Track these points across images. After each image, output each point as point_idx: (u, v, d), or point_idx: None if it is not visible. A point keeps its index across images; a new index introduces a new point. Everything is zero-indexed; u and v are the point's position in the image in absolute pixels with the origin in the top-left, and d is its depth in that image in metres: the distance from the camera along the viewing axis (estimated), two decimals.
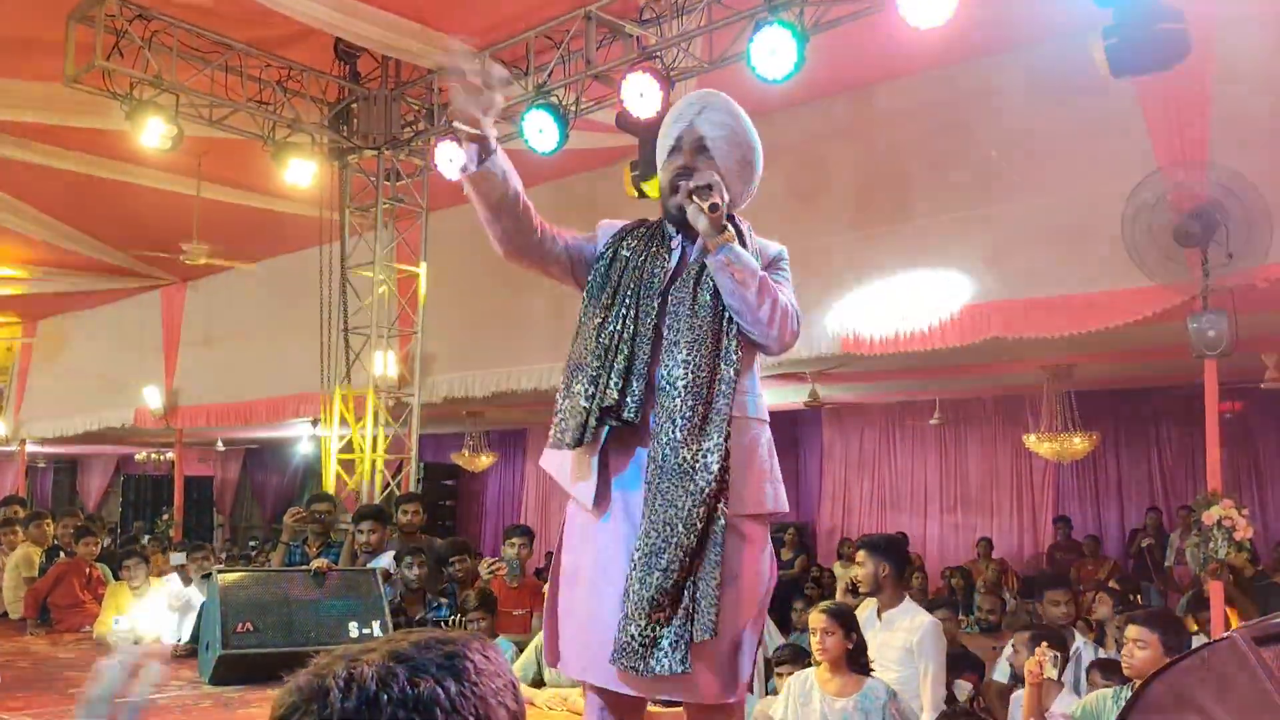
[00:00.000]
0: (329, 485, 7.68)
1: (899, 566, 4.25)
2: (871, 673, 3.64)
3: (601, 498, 2.18)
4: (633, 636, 2.02)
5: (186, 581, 6.08)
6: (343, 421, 7.75)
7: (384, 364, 7.73)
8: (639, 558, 2.06)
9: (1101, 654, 4.75)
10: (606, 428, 2.16)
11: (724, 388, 2.12)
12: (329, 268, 7.58)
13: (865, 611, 4.12)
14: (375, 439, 7.69)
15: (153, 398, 11.41)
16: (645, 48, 5.61)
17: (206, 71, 6.33)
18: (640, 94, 5.42)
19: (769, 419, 2.30)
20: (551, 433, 2.25)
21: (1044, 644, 3.63)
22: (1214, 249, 4.75)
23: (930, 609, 5.16)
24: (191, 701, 4.24)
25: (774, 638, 5.03)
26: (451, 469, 14.60)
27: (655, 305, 2.19)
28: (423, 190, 7.73)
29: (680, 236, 2.29)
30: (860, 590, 4.18)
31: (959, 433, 11.91)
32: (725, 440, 2.09)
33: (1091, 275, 5.37)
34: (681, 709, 2.30)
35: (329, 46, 6.74)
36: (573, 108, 6.17)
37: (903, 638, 4.03)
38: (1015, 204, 5.82)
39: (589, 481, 2.19)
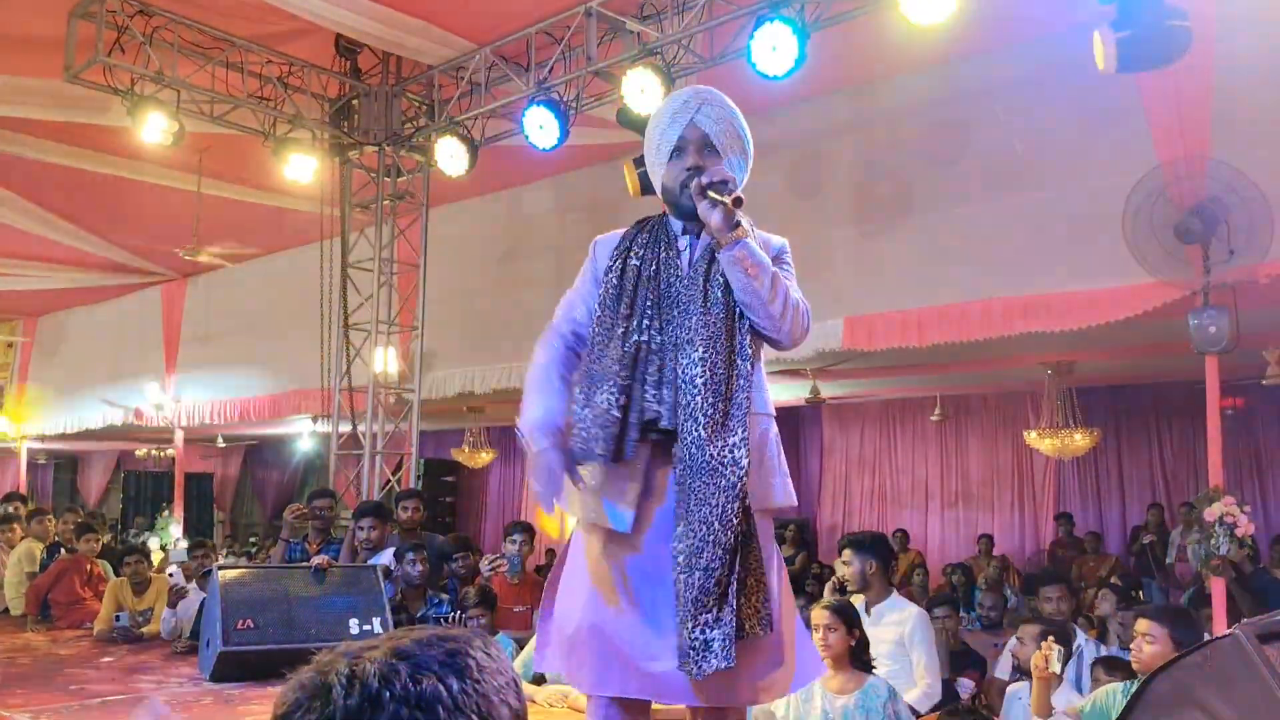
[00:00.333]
0: (329, 481, 7.69)
1: (885, 562, 4.27)
2: (873, 670, 3.64)
3: (640, 520, 2.16)
4: (693, 638, 2.01)
5: (187, 577, 6.08)
6: (343, 418, 7.75)
7: (384, 360, 7.73)
8: (684, 559, 2.05)
9: (1103, 651, 4.75)
10: (646, 443, 2.16)
11: (741, 382, 2.13)
12: (330, 264, 7.58)
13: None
14: (375, 435, 7.69)
15: (153, 394, 11.41)
16: (646, 44, 5.60)
17: (208, 67, 6.33)
18: (641, 90, 5.43)
19: (774, 413, 2.31)
20: (573, 445, 2.19)
21: (1050, 638, 3.62)
22: (1215, 245, 4.75)
23: (931, 606, 5.19)
24: (192, 698, 4.25)
25: None
26: (452, 465, 14.60)
27: (676, 315, 2.18)
28: (423, 186, 7.73)
29: (688, 235, 2.29)
30: (849, 589, 4.19)
31: (960, 429, 11.91)
32: (747, 436, 2.10)
33: (1093, 271, 5.36)
34: (683, 709, 2.30)
35: (330, 42, 6.74)
36: (573, 104, 6.17)
37: (892, 631, 4.05)
38: (1016, 200, 5.82)
39: (627, 505, 2.16)
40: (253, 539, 15.18)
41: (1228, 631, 1.67)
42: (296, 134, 7.08)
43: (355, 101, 7.27)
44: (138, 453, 18.67)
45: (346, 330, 7.68)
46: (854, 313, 6.22)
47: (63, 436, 13.76)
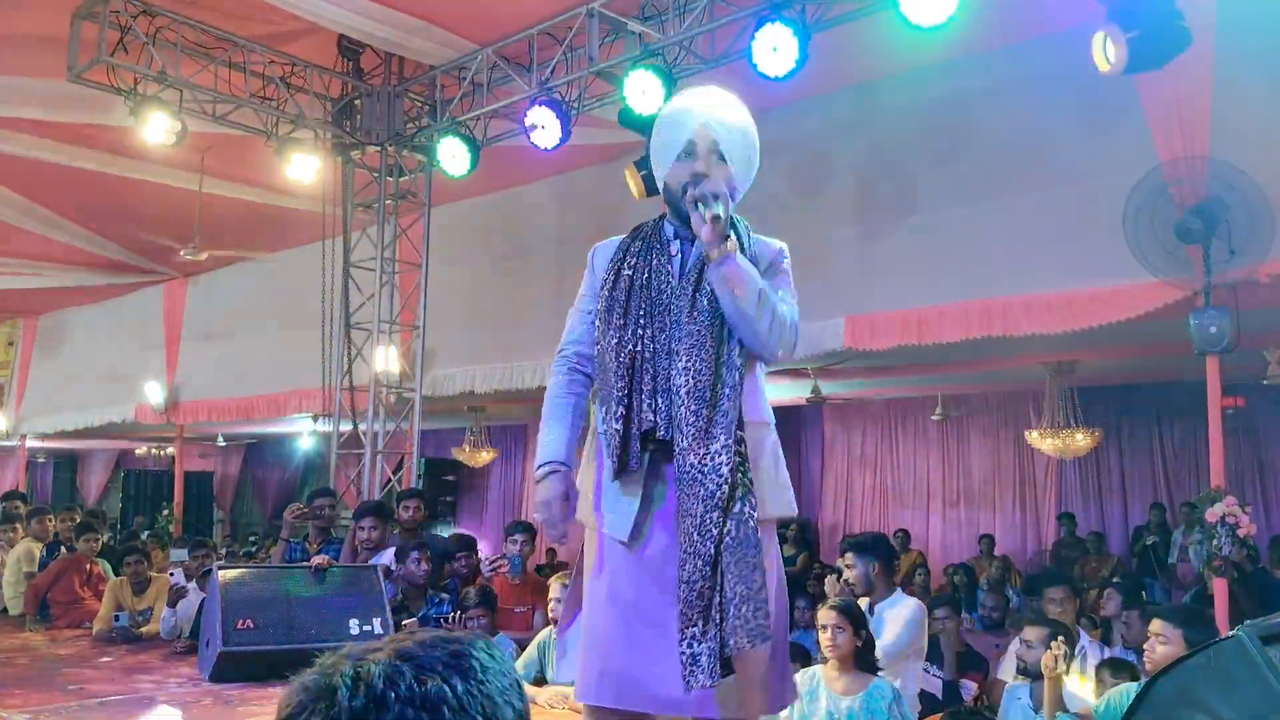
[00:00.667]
0: (330, 481, 7.69)
1: (887, 562, 4.27)
2: (879, 672, 3.64)
3: (636, 527, 2.16)
4: (684, 652, 2.01)
5: (188, 577, 6.08)
6: (344, 417, 7.75)
7: (385, 359, 7.73)
8: (682, 571, 2.05)
9: (1107, 653, 4.74)
10: (648, 453, 2.16)
11: (728, 390, 2.10)
12: (331, 263, 7.58)
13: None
14: (376, 434, 7.70)
15: (154, 393, 11.41)
16: (648, 45, 5.60)
17: (210, 67, 6.34)
18: (642, 91, 5.43)
19: (773, 420, 2.29)
20: (602, 468, 2.21)
21: (1060, 638, 3.61)
22: (1216, 245, 4.74)
23: (932, 607, 5.18)
24: (192, 699, 4.25)
25: None
26: (452, 464, 14.61)
27: (668, 322, 2.18)
28: (425, 186, 7.73)
29: (679, 240, 2.28)
30: (855, 592, 4.18)
31: (961, 429, 11.91)
32: (734, 443, 2.08)
33: (1093, 271, 5.36)
34: None
35: (333, 42, 6.74)
36: (575, 104, 6.17)
37: (891, 627, 4.06)
38: (1017, 200, 5.81)
39: (628, 513, 2.16)
40: (253, 538, 15.18)
41: (1231, 633, 1.67)
42: (299, 134, 7.09)
43: (357, 101, 7.28)
44: (137, 451, 18.69)
45: (348, 329, 7.69)
46: (855, 312, 6.21)
47: (62, 435, 13.77)
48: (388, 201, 7.69)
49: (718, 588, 2.02)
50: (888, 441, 12.53)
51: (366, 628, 4.64)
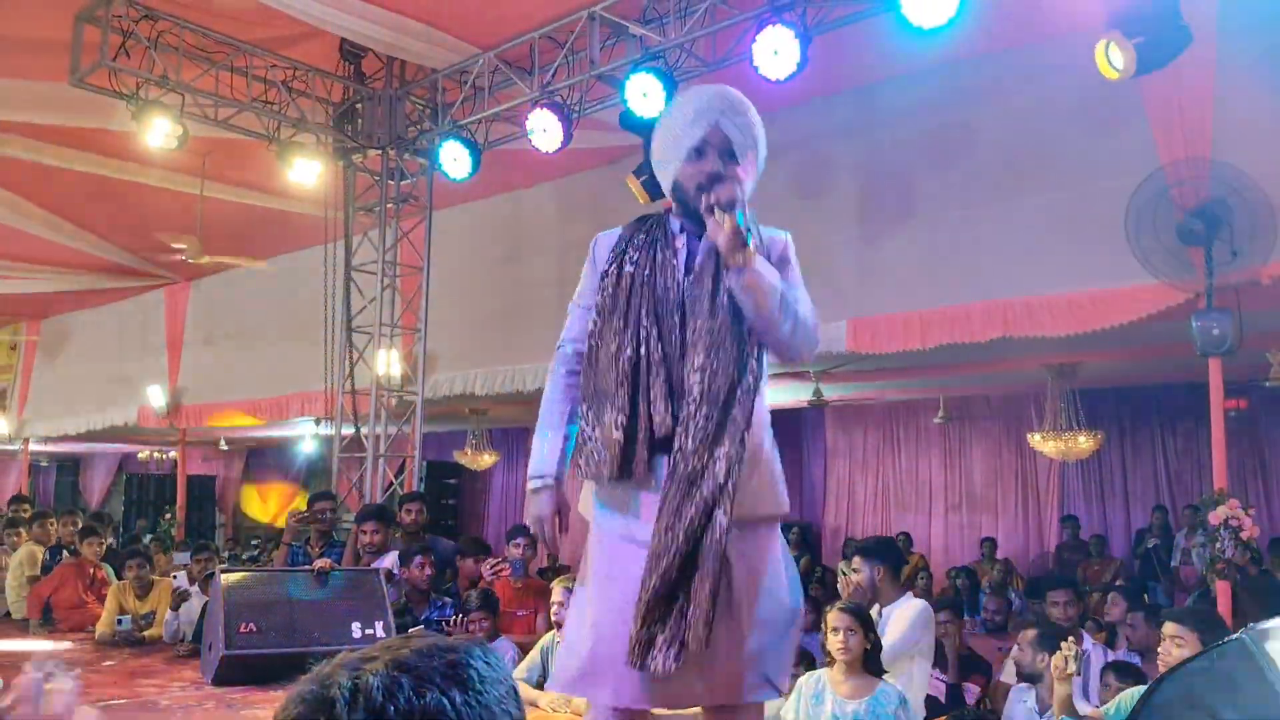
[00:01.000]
0: (332, 484, 7.69)
1: (894, 566, 4.26)
2: (884, 675, 3.63)
3: (643, 525, 2.14)
4: (633, 634, 2.02)
5: (190, 581, 6.08)
6: (346, 420, 7.75)
7: (387, 363, 7.74)
8: (649, 557, 2.05)
9: (1111, 656, 4.74)
10: (660, 459, 2.11)
11: (741, 395, 2.08)
12: (333, 266, 7.58)
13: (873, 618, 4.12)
14: (378, 437, 7.70)
15: (156, 396, 11.42)
16: (649, 48, 5.60)
17: (212, 71, 6.35)
18: (644, 94, 5.43)
19: (770, 418, 2.29)
20: (581, 466, 2.18)
21: (1069, 639, 3.59)
22: (1218, 247, 4.74)
23: (935, 610, 5.15)
24: (195, 702, 4.24)
25: None
26: (454, 468, 14.60)
27: (677, 321, 2.13)
28: (427, 189, 7.74)
29: (685, 234, 2.25)
30: (860, 598, 4.17)
31: (963, 431, 11.89)
32: (739, 448, 2.05)
33: (1095, 273, 5.36)
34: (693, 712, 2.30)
35: (334, 46, 6.76)
36: (576, 107, 6.17)
37: (895, 627, 4.05)
38: (1018, 202, 5.81)
39: (634, 512, 2.15)
40: (254, 541, 15.18)
41: (1234, 635, 1.67)
42: (300, 138, 7.09)
43: (359, 105, 7.29)
44: (140, 455, 18.68)
45: (349, 333, 7.69)
46: (857, 315, 6.21)
47: (65, 438, 13.77)
48: (389, 205, 7.69)
49: (688, 583, 2.03)
50: (890, 444, 12.52)
51: (369, 631, 4.64)
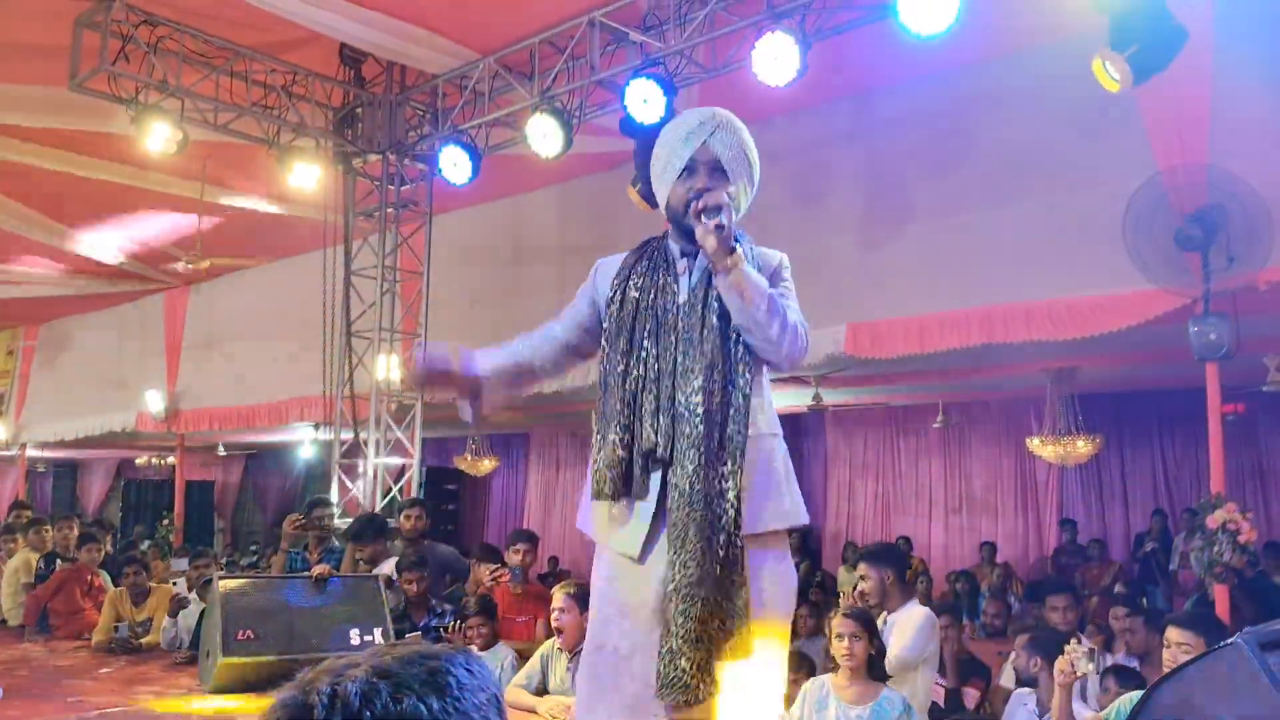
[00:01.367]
0: (331, 489, 7.69)
1: (900, 570, 4.26)
2: (888, 681, 3.63)
3: (646, 544, 2.18)
4: (683, 670, 2.02)
5: (189, 587, 6.08)
6: (345, 425, 7.75)
7: (386, 368, 7.74)
8: (676, 589, 2.06)
9: (1109, 660, 4.74)
10: (658, 476, 2.16)
11: (734, 413, 2.13)
12: (333, 271, 7.59)
13: (879, 626, 4.11)
14: (378, 442, 7.69)
15: (154, 401, 11.41)
16: (649, 54, 5.62)
17: (212, 76, 6.35)
18: (643, 100, 5.45)
19: (780, 431, 2.30)
20: (590, 486, 2.25)
21: (1074, 640, 3.56)
22: (1215, 252, 4.75)
23: (935, 614, 5.16)
24: (192, 709, 4.24)
25: None
26: (454, 473, 14.60)
27: (674, 341, 2.19)
28: (426, 194, 7.75)
29: (686, 258, 2.29)
30: (870, 602, 4.17)
31: (962, 436, 11.90)
32: (738, 466, 2.10)
33: (1093, 279, 5.37)
34: None
35: (334, 51, 6.76)
36: (576, 113, 6.18)
37: (900, 636, 4.04)
38: (1016, 207, 5.83)
39: (639, 531, 2.18)
40: (253, 547, 15.18)
41: (1230, 640, 1.67)
42: (300, 142, 7.10)
43: (359, 110, 7.30)
44: (138, 461, 18.67)
45: (349, 338, 7.69)
46: (856, 319, 6.22)
47: (63, 444, 13.76)
48: (389, 210, 7.70)
49: (726, 608, 2.06)
50: (889, 449, 12.53)
51: (368, 638, 4.63)
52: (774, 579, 2.20)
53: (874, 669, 3.59)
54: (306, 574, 4.99)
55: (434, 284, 7.74)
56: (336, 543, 6.08)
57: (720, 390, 2.12)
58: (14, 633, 6.61)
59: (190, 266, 8.51)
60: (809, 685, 3.74)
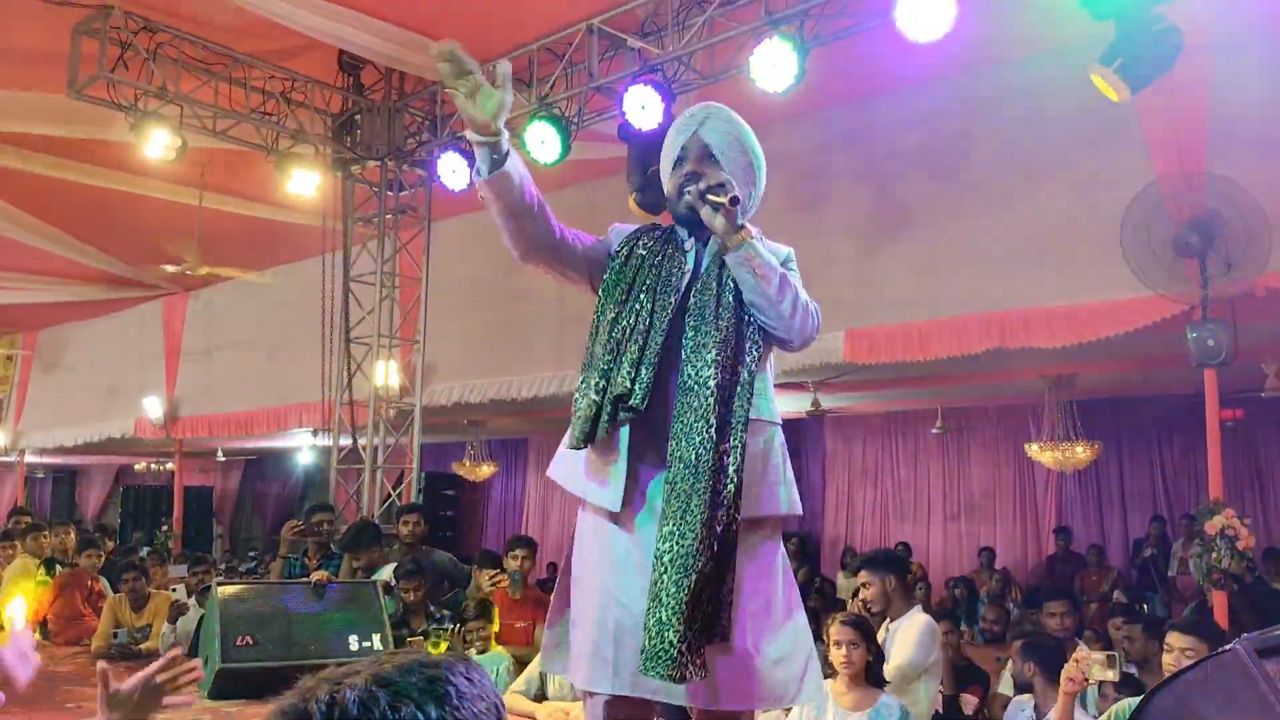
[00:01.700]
0: (330, 495, 7.68)
1: (902, 577, 4.25)
2: (885, 686, 3.63)
3: (628, 502, 2.17)
4: (671, 643, 1.99)
5: (187, 593, 6.07)
6: (344, 431, 7.75)
7: (385, 374, 7.74)
8: (671, 560, 2.03)
9: None
10: (625, 425, 2.15)
11: (741, 390, 2.13)
12: (331, 277, 7.59)
13: (882, 634, 4.11)
14: (376, 449, 7.69)
15: (153, 408, 11.41)
16: (647, 61, 5.63)
17: (211, 83, 6.36)
18: (642, 106, 5.45)
19: (780, 421, 2.30)
20: (568, 434, 2.24)
21: (1080, 650, 3.53)
22: (1212, 258, 4.77)
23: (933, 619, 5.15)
24: (191, 716, 4.23)
25: None
26: (453, 479, 14.59)
27: (672, 301, 2.19)
28: (425, 200, 7.75)
29: (693, 239, 2.31)
30: (873, 610, 4.17)
31: (961, 442, 11.90)
32: (740, 442, 2.10)
33: (1091, 285, 5.38)
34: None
35: (333, 58, 6.78)
36: (575, 119, 6.19)
37: (901, 645, 4.03)
38: (1015, 214, 5.84)
39: (615, 484, 2.17)
40: (251, 553, 15.15)
41: (1228, 646, 1.67)
42: (299, 149, 7.11)
43: (358, 116, 7.31)
44: (137, 466, 18.66)
45: (348, 344, 7.69)
46: (855, 325, 6.23)
47: (61, 450, 13.75)
48: (388, 216, 7.71)
49: (724, 584, 2.05)
50: (888, 454, 12.53)
51: (366, 644, 4.63)
52: (767, 566, 2.20)
53: (872, 676, 3.58)
54: (305, 580, 4.99)
55: (432, 290, 7.75)
56: (335, 549, 6.07)
57: (731, 367, 2.12)
58: None
59: (189, 273, 8.51)
60: None
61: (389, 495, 7.75)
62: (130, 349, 12.19)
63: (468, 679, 0.99)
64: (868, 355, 6.18)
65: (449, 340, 8.26)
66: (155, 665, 1.83)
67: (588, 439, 2.15)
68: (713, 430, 2.07)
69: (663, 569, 2.04)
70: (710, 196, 2.13)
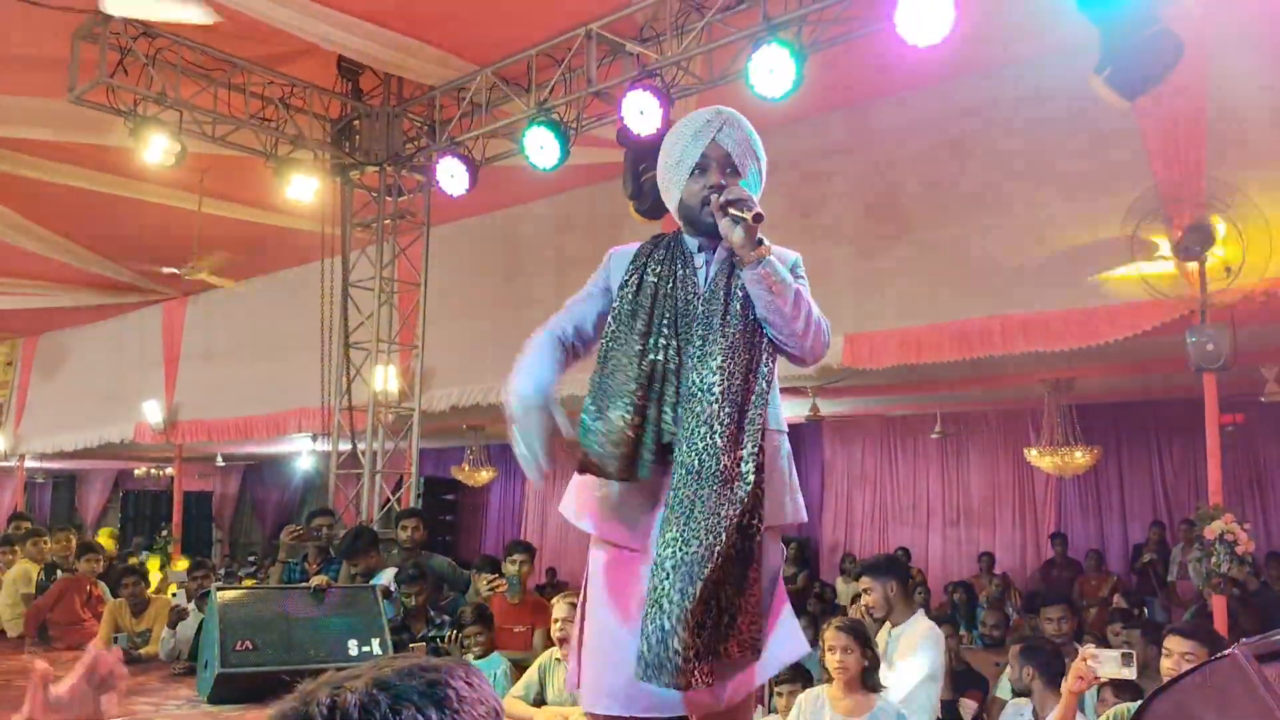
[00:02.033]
0: (329, 500, 7.68)
1: (904, 582, 4.24)
2: (881, 691, 3.63)
3: (644, 535, 2.13)
4: (676, 651, 1.96)
5: (187, 598, 6.07)
6: (343, 436, 7.75)
7: (384, 378, 7.74)
8: (674, 567, 2.00)
9: None
10: (662, 464, 2.11)
11: (755, 399, 2.11)
12: (330, 283, 7.59)
13: (884, 637, 4.10)
14: (375, 453, 7.69)
15: (153, 413, 11.41)
16: (645, 66, 5.64)
17: (210, 88, 6.37)
18: (640, 111, 5.46)
19: (786, 428, 2.30)
20: (588, 465, 2.18)
21: (1091, 645, 3.49)
22: (1212, 263, 4.77)
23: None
24: None
25: None
26: (452, 484, 14.59)
27: (695, 335, 2.17)
28: (424, 205, 7.76)
29: (704, 252, 2.28)
30: (875, 616, 4.15)
31: (960, 446, 11.91)
32: (759, 448, 2.08)
33: (1090, 289, 5.38)
34: None
35: (332, 63, 6.78)
36: (574, 124, 6.20)
37: (905, 654, 4.02)
38: (1013, 218, 5.84)
39: (645, 524, 2.13)
40: (251, 558, 15.14)
41: (1226, 651, 1.67)
42: (298, 154, 7.11)
43: (357, 122, 7.31)
44: (136, 472, 18.64)
45: (347, 349, 7.69)
46: (853, 330, 6.23)
47: (61, 455, 13.74)
48: (386, 221, 7.71)
49: (724, 591, 2.02)
50: (887, 460, 12.53)
51: (365, 649, 4.63)
52: (770, 574, 2.19)
53: (868, 680, 3.58)
54: (304, 585, 4.98)
55: (431, 295, 7.75)
56: (333, 555, 6.07)
57: (741, 373, 2.10)
58: (13, 644, 6.60)
59: (188, 278, 8.52)
60: (804, 697, 3.74)
61: (388, 500, 7.74)
62: (130, 354, 12.20)
63: (468, 683, 0.99)
64: (866, 360, 6.18)
65: (448, 345, 8.26)
66: (83, 666, 1.81)
67: (629, 474, 2.11)
68: (717, 436, 2.04)
69: (664, 575, 2.01)
70: (733, 211, 2.10)
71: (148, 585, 6.46)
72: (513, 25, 5.96)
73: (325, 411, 7.79)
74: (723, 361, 2.10)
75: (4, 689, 4.93)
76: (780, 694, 4.12)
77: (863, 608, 4.23)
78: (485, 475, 13.12)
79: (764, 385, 2.13)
